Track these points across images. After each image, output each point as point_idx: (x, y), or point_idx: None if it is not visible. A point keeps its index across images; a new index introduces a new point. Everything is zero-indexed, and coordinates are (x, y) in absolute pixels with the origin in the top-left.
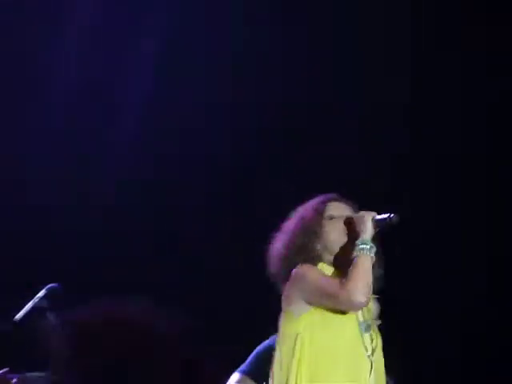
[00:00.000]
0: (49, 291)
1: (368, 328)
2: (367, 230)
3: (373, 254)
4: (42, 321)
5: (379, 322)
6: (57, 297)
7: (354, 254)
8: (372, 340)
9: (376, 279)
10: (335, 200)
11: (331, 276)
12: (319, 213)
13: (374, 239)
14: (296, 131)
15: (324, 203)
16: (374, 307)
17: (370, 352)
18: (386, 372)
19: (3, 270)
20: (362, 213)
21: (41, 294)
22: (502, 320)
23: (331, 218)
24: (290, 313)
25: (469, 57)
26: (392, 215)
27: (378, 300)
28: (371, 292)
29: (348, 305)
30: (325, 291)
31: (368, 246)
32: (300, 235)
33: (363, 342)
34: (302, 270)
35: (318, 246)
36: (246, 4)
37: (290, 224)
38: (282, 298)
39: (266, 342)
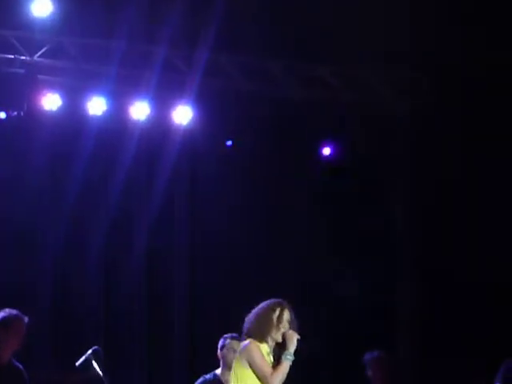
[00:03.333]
0: (93, 350)
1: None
2: (292, 346)
3: (291, 361)
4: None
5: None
6: (98, 353)
7: (282, 358)
8: None
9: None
10: (287, 307)
11: (265, 356)
12: (279, 313)
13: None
14: None
15: (281, 310)
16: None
17: None
18: None
19: None
20: (291, 333)
21: (89, 351)
22: None
23: (281, 322)
24: (238, 364)
25: None
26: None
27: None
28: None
29: None
30: (260, 371)
31: (290, 358)
32: (261, 322)
33: None
34: (252, 347)
35: (267, 332)
36: None
37: (257, 311)
38: (241, 352)
39: (199, 380)
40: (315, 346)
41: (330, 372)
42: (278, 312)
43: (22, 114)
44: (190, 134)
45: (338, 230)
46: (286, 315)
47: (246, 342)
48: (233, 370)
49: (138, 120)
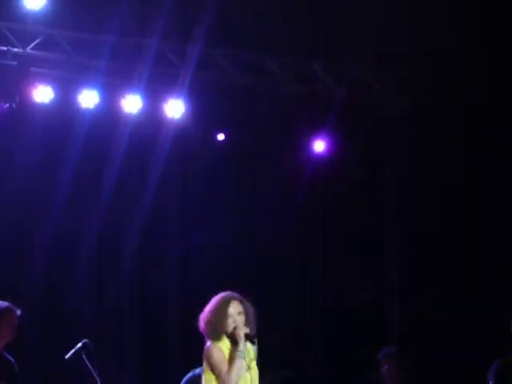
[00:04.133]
0: (83, 344)
1: (247, 369)
2: (241, 342)
3: (243, 357)
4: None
5: (255, 360)
6: (88, 347)
7: (234, 354)
8: (251, 377)
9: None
10: (234, 299)
11: (227, 349)
12: (225, 308)
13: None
14: None
15: (226, 304)
16: (252, 352)
17: (250, 381)
18: None
19: None
20: (239, 328)
21: (79, 345)
22: None
23: (230, 316)
24: (204, 366)
25: None
26: (254, 338)
27: (255, 343)
28: (239, 375)
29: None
30: (218, 371)
31: (241, 354)
32: (210, 321)
33: (245, 379)
34: (209, 350)
35: (220, 329)
36: None
37: (206, 309)
38: (203, 355)
39: (188, 375)
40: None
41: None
42: (224, 306)
43: (14, 106)
44: (182, 127)
45: (331, 229)
46: (233, 308)
47: (206, 344)
48: (202, 373)
49: (130, 113)
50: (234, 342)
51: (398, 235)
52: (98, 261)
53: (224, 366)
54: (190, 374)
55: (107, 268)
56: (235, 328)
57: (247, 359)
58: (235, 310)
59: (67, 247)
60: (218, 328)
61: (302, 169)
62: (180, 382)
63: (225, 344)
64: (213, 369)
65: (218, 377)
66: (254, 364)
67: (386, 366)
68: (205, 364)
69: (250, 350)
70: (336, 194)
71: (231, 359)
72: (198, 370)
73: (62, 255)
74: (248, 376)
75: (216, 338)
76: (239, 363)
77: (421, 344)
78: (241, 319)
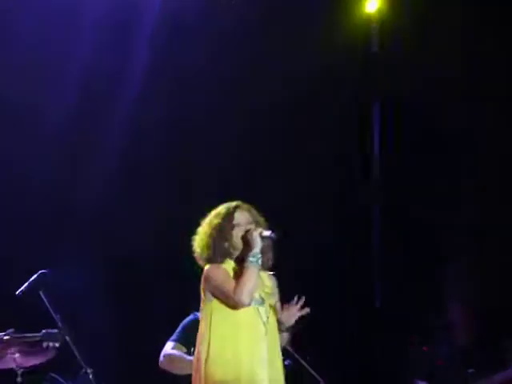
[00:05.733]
0: (39, 276)
1: (262, 302)
2: (256, 245)
3: (258, 265)
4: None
5: (275, 296)
6: (46, 280)
7: (245, 263)
8: (266, 311)
9: (268, 261)
10: (240, 208)
11: (234, 272)
12: (229, 220)
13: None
14: None
15: (232, 212)
16: (270, 283)
17: (265, 319)
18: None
19: None
20: (251, 231)
21: (34, 277)
22: None
23: (238, 225)
24: (204, 299)
25: None
26: (273, 233)
27: (274, 275)
28: (253, 292)
29: (236, 305)
30: (222, 293)
31: (255, 259)
32: (212, 236)
33: (259, 314)
34: (209, 271)
35: (226, 245)
36: None
37: (203, 227)
38: (201, 285)
39: (189, 317)
40: None
41: None
42: (227, 215)
43: None
44: None
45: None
46: (241, 216)
47: (206, 268)
48: (201, 312)
49: None
50: (241, 262)
51: None
52: None
53: (230, 284)
54: (190, 317)
55: None
56: (246, 232)
57: (262, 286)
58: (244, 218)
59: None
60: (221, 246)
61: None
62: (175, 324)
63: (230, 265)
64: (216, 294)
65: (223, 301)
66: (272, 318)
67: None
68: (204, 295)
69: (264, 278)
70: None
71: (237, 276)
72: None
73: None
74: (262, 309)
75: (218, 260)
76: (251, 273)
77: None
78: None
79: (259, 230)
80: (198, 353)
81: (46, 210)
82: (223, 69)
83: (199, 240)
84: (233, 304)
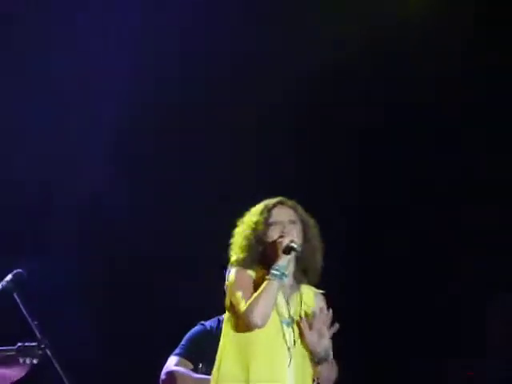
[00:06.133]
0: (15, 276)
1: (291, 322)
2: (281, 256)
3: (282, 280)
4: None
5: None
6: (21, 281)
7: (267, 276)
8: (294, 333)
9: (316, 272)
10: (282, 205)
11: (260, 283)
12: (265, 218)
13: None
14: None
15: (270, 209)
16: (312, 302)
17: (290, 344)
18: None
19: None
20: (282, 239)
21: (8, 277)
22: None
23: (274, 224)
24: (227, 308)
25: None
26: (298, 248)
27: (323, 295)
28: (269, 315)
29: (246, 325)
30: (234, 305)
31: (279, 273)
32: (245, 237)
33: (283, 335)
34: (231, 274)
35: (260, 249)
36: None
37: (239, 227)
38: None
39: (196, 328)
40: None
41: None
42: (263, 212)
43: None
44: None
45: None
46: (281, 213)
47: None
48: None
49: None
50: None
51: None
52: None
53: (247, 295)
54: (197, 328)
55: None
56: (280, 237)
57: (292, 306)
58: (284, 215)
59: None
60: (253, 248)
61: None
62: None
63: (259, 274)
64: (230, 305)
65: (234, 312)
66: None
67: None
68: (227, 305)
69: (306, 294)
70: None
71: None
72: (209, 323)
73: None
74: (288, 331)
75: (246, 264)
76: (269, 288)
77: None
78: (294, 229)
79: (290, 237)
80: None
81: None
82: None
83: (233, 242)
84: (243, 323)
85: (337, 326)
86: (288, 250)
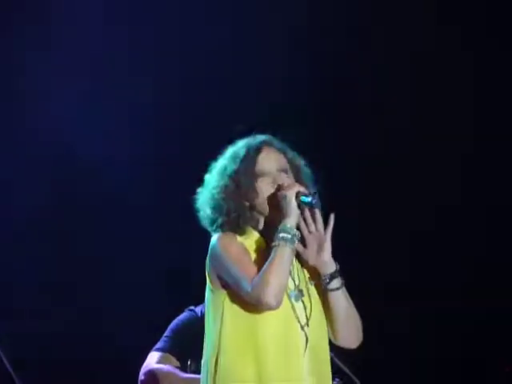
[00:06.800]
0: None
1: (298, 296)
2: (291, 212)
3: (294, 245)
4: None
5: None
6: None
7: (274, 242)
8: (305, 308)
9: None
10: (268, 147)
11: (257, 250)
12: (249, 166)
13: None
14: None
15: (254, 155)
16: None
17: (303, 322)
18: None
19: None
20: (284, 192)
21: None
22: None
23: (263, 174)
24: (211, 285)
25: None
26: (314, 198)
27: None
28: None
29: (256, 305)
30: (236, 283)
31: (289, 236)
32: (223, 190)
33: (294, 313)
34: (218, 244)
35: (246, 205)
36: None
37: (212, 176)
38: (207, 264)
39: (183, 314)
40: None
41: None
42: (249, 159)
43: None
44: None
45: None
46: (269, 160)
47: (212, 239)
48: (206, 304)
49: None
50: (271, 235)
51: None
52: None
53: (247, 269)
54: (184, 315)
55: None
56: (277, 190)
57: (296, 275)
58: (274, 163)
59: None
60: (238, 205)
61: None
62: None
63: (252, 238)
64: (226, 282)
65: (237, 290)
66: (315, 317)
67: None
68: (210, 281)
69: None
70: None
71: (264, 258)
72: (199, 308)
73: None
74: (299, 307)
75: (233, 229)
76: (283, 258)
77: None
78: (287, 179)
79: (296, 188)
80: (206, 365)
81: None
82: None
83: (206, 195)
84: (252, 303)
85: (332, 216)
86: (307, 204)
